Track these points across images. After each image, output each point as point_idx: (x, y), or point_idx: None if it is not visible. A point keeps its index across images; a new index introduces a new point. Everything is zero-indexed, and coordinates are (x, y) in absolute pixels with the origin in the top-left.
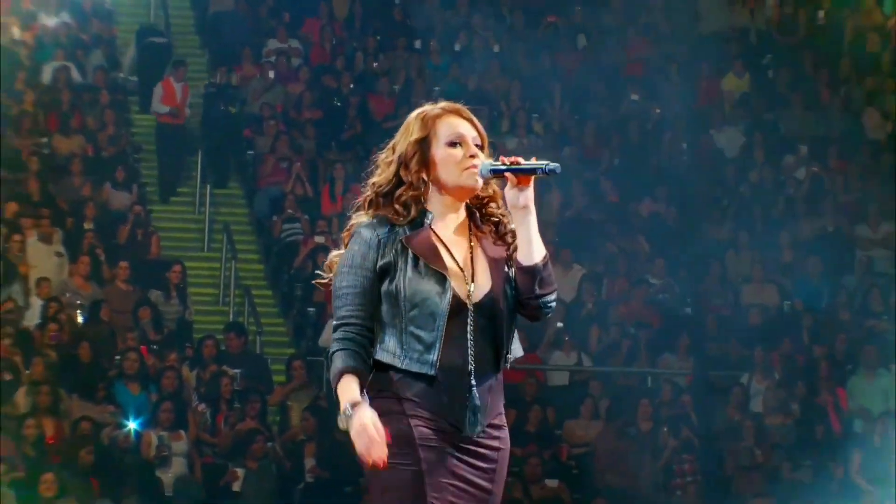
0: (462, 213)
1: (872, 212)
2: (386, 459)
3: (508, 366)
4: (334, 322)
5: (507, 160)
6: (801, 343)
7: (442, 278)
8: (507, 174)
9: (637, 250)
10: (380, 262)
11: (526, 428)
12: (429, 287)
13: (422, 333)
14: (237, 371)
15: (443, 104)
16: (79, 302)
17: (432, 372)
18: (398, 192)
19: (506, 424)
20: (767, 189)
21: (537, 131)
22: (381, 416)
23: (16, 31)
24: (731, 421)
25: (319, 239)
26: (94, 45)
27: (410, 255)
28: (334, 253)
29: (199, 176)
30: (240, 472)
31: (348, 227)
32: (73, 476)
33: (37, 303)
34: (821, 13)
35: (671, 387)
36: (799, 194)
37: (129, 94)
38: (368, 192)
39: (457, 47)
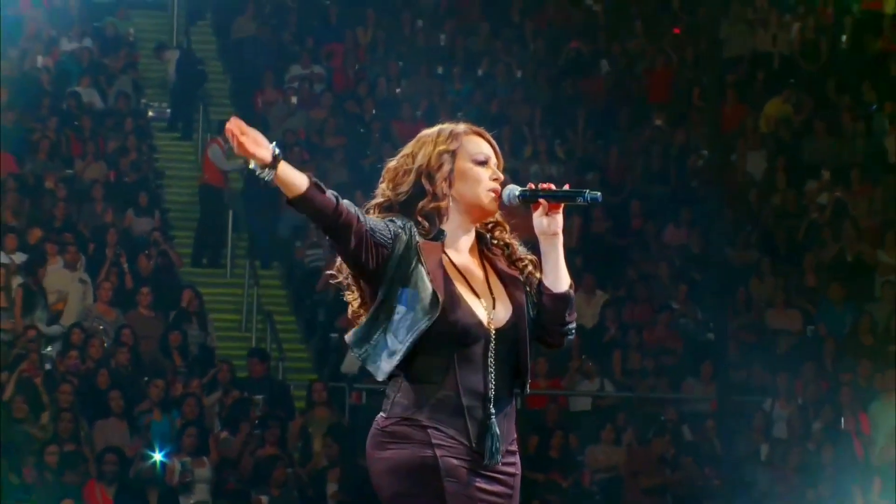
0: (472, 237)
1: (894, 236)
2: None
3: (528, 391)
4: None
5: (533, 186)
6: (824, 368)
7: (436, 300)
8: (542, 200)
9: (660, 275)
10: (394, 254)
11: (548, 454)
12: (422, 303)
13: (391, 340)
14: (259, 397)
15: (467, 124)
16: (101, 328)
17: (380, 378)
18: (420, 203)
19: (517, 449)
20: (790, 214)
21: (560, 157)
22: (404, 441)
23: (39, 58)
24: (755, 446)
25: None
26: (116, 70)
27: (422, 268)
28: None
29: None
30: (264, 499)
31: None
32: None
33: (59, 329)
34: (843, 38)
35: (694, 412)
36: (822, 219)
37: (156, 120)
38: (383, 199)
39: (479, 73)
